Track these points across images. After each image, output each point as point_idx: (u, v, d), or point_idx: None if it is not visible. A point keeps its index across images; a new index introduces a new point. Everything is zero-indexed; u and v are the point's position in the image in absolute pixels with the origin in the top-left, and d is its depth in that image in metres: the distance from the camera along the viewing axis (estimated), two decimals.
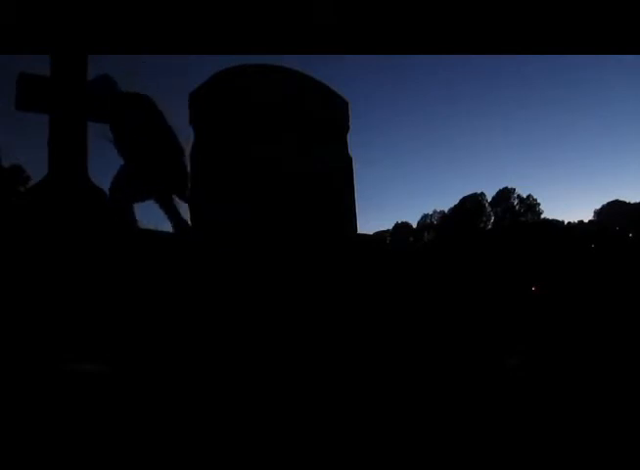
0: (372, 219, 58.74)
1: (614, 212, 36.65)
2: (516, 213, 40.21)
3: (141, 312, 3.78)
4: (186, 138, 4.90)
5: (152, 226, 4.96)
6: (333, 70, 49.98)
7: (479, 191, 41.89)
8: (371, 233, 11.71)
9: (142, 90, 4.94)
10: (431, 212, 44.12)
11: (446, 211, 42.33)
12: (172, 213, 4.90)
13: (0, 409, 2.52)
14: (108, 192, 4.64)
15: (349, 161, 5.24)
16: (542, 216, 38.31)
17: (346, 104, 5.34)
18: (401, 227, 43.21)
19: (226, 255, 4.31)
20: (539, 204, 40.90)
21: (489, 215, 41.45)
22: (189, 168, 4.86)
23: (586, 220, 37.34)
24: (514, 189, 41.59)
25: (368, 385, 3.28)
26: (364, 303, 4.49)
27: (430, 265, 6.09)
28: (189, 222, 4.88)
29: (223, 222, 4.52)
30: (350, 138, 5.31)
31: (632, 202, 37.43)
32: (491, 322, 5.03)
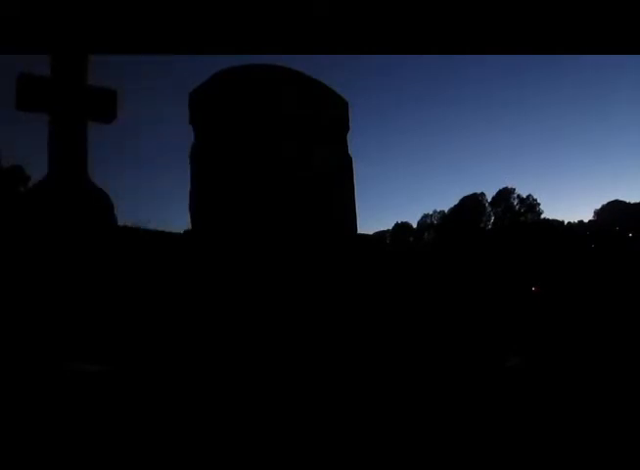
0: (372, 219, 58.65)
1: (614, 212, 36.57)
2: (516, 213, 40.14)
3: (142, 312, 3.78)
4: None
5: (152, 226, 4.96)
6: (333, 71, 49.89)
7: (479, 191, 41.78)
8: (371, 233, 11.70)
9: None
10: (431, 212, 44.02)
11: (446, 211, 42.24)
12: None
13: (3, 409, 2.52)
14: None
15: (349, 161, 5.24)
16: (542, 216, 38.23)
17: (346, 104, 5.34)
18: (401, 227, 43.14)
19: (227, 254, 4.31)
20: (539, 204, 40.78)
21: (489, 215, 41.38)
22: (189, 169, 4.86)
23: (586, 220, 37.28)
24: (514, 189, 41.50)
25: (368, 384, 3.28)
26: (364, 302, 4.49)
27: (430, 266, 6.08)
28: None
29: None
30: (350, 138, 5.31)
31: (632, 202, 37.33)
32: (491, 322, 5.03)
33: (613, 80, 64.54)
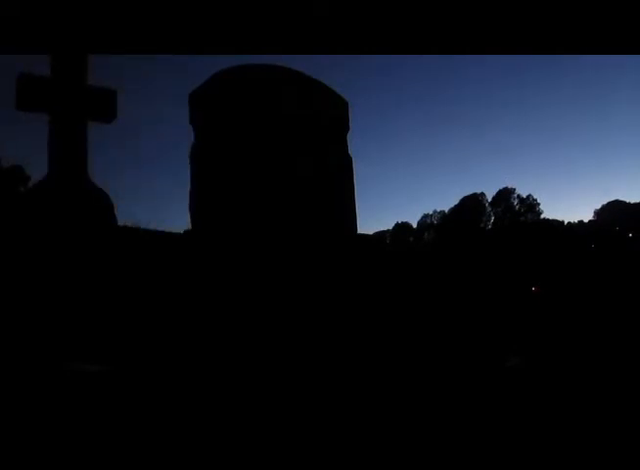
0: (372, 219, 58.64)
1: (614, 212, 36.61)
2: (516, 213, 40.16)
3: (142, 312, 3.78)
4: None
5: (152, 226, 4.96)
6: (333, 71, 49.91)
7: (479, 191, 41.79)
8: (371, 233, 11.69)
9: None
10: (431, 212, 44.04)
11: (446, 211, 42.26)
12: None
13: (4, 409, 2.52)
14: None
15: (349, 161, 5.24)
16: (542, 216, 38.25)
17: (346, 104, 5.34)
18: (401, 227, 43.16)
19: (227, 254, 4.31)
20: (539, 204, 40.80)
21: (489, 215, 41.41)
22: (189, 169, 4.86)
23: (586, 220, 37.33)
24: (514, 189, 41.52)
25: (368, 383, 3.28)
26: (364, 302, 4.49)
27: (430, 266, 6.08)
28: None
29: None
30: (350, 138, 5.31)
31: (632, 202, 37.37)
32: (491, 322, 5.03)
33: (613, 80, 64.58)
